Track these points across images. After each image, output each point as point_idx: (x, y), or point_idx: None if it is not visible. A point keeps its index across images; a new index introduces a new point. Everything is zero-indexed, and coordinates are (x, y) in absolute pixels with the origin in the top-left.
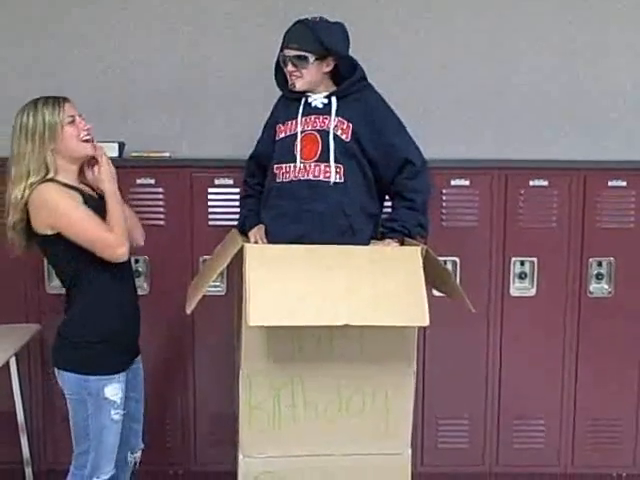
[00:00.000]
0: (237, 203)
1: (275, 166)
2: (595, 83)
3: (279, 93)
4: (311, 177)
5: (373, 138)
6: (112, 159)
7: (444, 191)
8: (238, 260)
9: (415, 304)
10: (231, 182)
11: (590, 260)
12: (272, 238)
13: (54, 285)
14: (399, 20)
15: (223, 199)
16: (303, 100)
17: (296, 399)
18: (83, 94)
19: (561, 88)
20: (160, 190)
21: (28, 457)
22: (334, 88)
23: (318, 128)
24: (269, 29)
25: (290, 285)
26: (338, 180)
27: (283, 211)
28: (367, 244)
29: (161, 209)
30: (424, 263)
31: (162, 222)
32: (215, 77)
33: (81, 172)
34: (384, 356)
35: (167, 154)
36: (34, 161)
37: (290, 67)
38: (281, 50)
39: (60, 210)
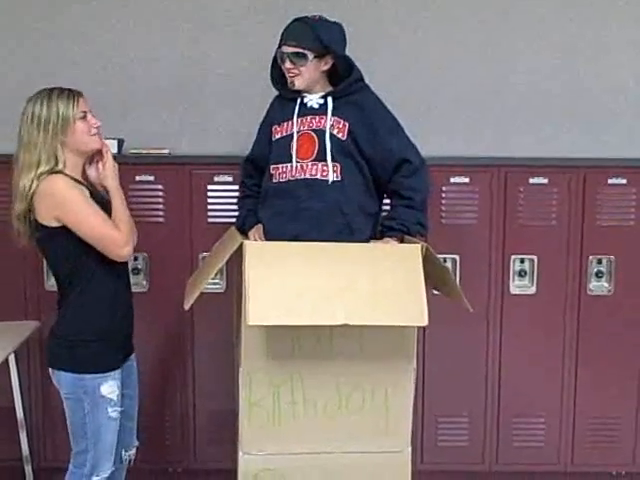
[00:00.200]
0: (236, 200)
1: (272, 167)
2: (595, 80)
3: None
4: (308, 176)
5: (369, 138)
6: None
7: (444, 189)
8: (237, 257)
9: (414, 303)
10: (230, 179)
11: (590, 258)
12: (270, 237)
13: (53, 283)
14: (398, 19)
15: (222, 196)
16: (299, 100)
17: (296, 396)
18: (83, 90)
19: (561, 85)
20: (159, 187)
21: (27, 454)
22: (330, 88)
23: (314, 128)
24: (269, 26)
25: (289, 283)
26: (335, 178)
27: (280, 210)
28: (366, 243)
29: (160, 206)
30: (424, 262)
31: (161, 219)
32: (215, 74)
33: (83, 171)
34: (384, 354)
35: (166, 151)
36: (45, 151)
37: (288, 64)
38: (279, 47)
39: (68, 203)
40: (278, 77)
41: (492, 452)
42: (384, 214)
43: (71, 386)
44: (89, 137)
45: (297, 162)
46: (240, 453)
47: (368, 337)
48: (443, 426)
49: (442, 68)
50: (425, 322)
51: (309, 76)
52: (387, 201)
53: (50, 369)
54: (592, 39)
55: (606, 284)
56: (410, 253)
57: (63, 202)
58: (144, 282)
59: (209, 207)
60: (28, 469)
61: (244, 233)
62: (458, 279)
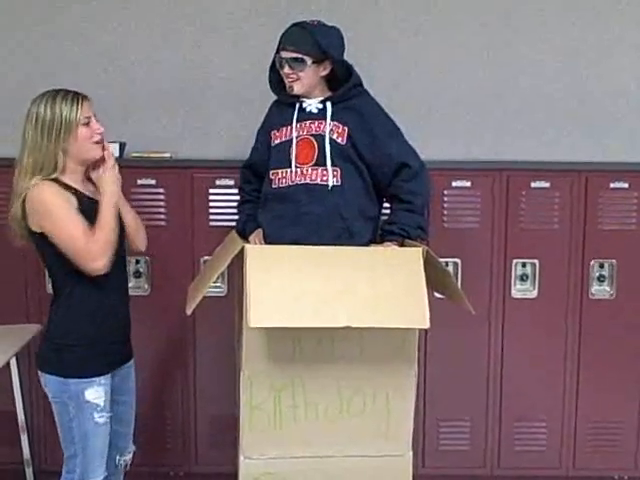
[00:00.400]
0: (236, 205)
1: (271, 172)
2: (597, 84)
3: None
4: (308, 181)
5: (369, 143)
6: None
7: (445, 192)
8: (239, 261)
9: (416, 306)
10: (232, 183)
11: (592, 262)
12: (270, 241)
13: None
14: (399, 23)
15: (224, 200)
16: (297, 105)
17: (297, 400)
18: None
19: (563, 89)
20: (161, 190)
21: (29, 457)
22: (329, 93)
23: (313, 133)
24: (271, 29)
25: (291, 286)
26: (335, 183)
27: (280, 214)
28: (367, 246)
29: (162, 209)
30: (425, 265)
31: (163, 222)
32: (216, 77)
33: (87, 169)
34: (385, 357)
35: (168, 154)
36: (46, 156)
37: (287, 69)
38: (277, 52)
39: (49, 212)
40: (276, 82)
41: (494, 456)
42: (384, 218)
43: (56, 390)
44: (91, 144)
45: (297, 167)
46: (241, 457)
47: (369, 341)
48: (444, 430)
49: (443, 72)
50: (427, 325)
51: (308, 81)
52: (387, 205)
53: (39, 372)
54: (594, 43)
55: (608, 288)
56: (411, 256)
57: (44, 211)
58: (145, 285)
59: (211, 211)
60: (29, 472)
61: (244, 238)
62: (460, 283)
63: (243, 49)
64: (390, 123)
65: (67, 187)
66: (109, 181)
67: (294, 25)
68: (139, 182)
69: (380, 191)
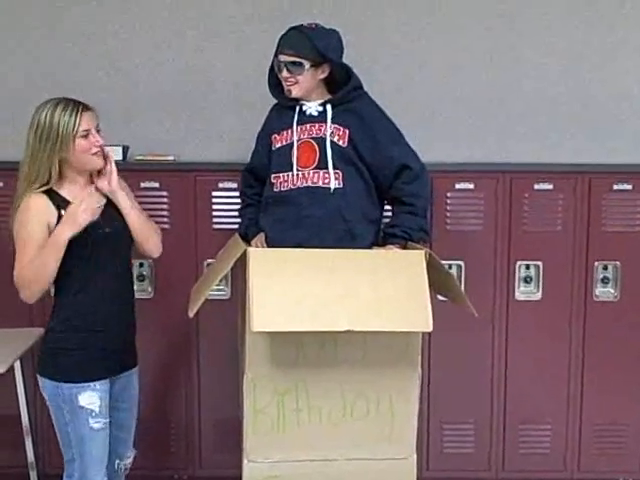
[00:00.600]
0: (238, 210)
1: (272, 176)
2: (601, 87)
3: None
4: (310, 184)
5: (370, 146)
6: (116, 162)
7: (449, 195)
8: (242, 264)
9: (419, 309)
10: (235, 186)
11: (596, 264)
12: (272, 244)
13: None
14: (402, 26)
15: (227, 202)
16: (297, 108)
17: (300, 403)
18: (87, 97)
19: (567, 92)
20: (164, 194)
21: (33, 461)
22: (328, 96)
23: (314, 136)
24: (273, 33)
25: (294, 290)
26: (337, 186)
27: (282, 217)
28: (369, 249)
29: (165, 212)
30: (427, 268)
31: (166, 225)
32: (219, 81)
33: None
34: (388, 361)
35: (171, 157)
36: (42, 165)
37: (285, 73)
38: (275, 55)
39: (18, 230)
40: (276, 85)
41: (498, 459)
42: (386, 221)
43: (51, 394)
44: (89, 157)
45: (298, 171)
46: (245, 460)
47: (372, 344)
48: (449, 433)
49: (447, 75)
50: (430, 328)
51: (306, 85)
52: (388, 207)
53: (37, 375)
54: (597, 46)
55: (612, 290)
56: (414, 259)
57: (18, 225)
58: (149, 288)
59: (214, 213)
60: (33, 475)
61: (247, 242)
62: (463, 285)
63: (245, 53)
64: (391, 126)
65: (60, 199)
66: (70, 212)
67: (292, 29)
68: (142, 185)
69: (381, 194)
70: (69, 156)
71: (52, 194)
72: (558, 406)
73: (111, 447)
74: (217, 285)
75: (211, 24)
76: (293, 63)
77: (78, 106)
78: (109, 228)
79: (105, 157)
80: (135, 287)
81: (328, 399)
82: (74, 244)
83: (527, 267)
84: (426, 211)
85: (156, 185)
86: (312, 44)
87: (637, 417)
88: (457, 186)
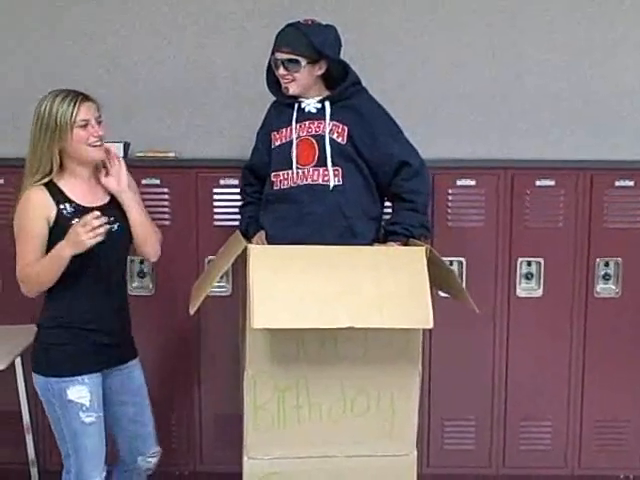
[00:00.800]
0: (238, 208)
1: (272, 174)
2: (603, 83)
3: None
4: (310, 182)
5: (369, 143)
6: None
7: (450, 191)
8: (243, 261)
9: (419, 306)
10: (236, 182)
11: (597, 260)
12: (272, 242)
13: None
14: (404, 23)
15: (229, 199)
16: (296, 106)
17: (301, 400)
18: (88, 93)
19: (568, 88)
20: (165, 190)
21: (33, 457)
22: (327, 92)
23: (313, 133)
24: (274, 29)
25: (294, 286)
26: (337, 183)
27: (283, 215)
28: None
29: (166, 209)
30: (428, 264)
31: (167, 222)
32: (220, 77)
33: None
34: (389, 358)
35: (172, 154)
36: (42, 155)
37: (282, 70)
38: (272, 53)
39: (17, 223)
40: (274, 82)
41: (499, 455)
42: (387, 218)
43: (42, 389)
44: (87, 147)
45: (298, 168)
46: (245, 457)
47: (373, 341)
48: (449, 429)
49: (449, 71)
50: (430, 325)
51: (303, 82)
52: (388, 204)
53: (32, 372)
54: (599, 42)
55: (613, 286)
56: (414, 256)
57: (18, 219)
58: (150, 285)
59: (215, 210)
60: (34, 472)
61: (248, 239)
62: (464, 282)
63: (246, 49)
64: (390, 122)
65: (59, 194)
66: (75, 233)
67: (288, 25)
68: (143, 182)
69: (382, 191)
70: (67, 146)
71: (52, 187)
72: (559, 402)
73: (129, 444)
74: (218, 282)
75: (211, 20)
76: (290, 60)
77: (77, 96)
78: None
79: (113, 156)
80: (136, 284)
81: (328, 396)
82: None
83: (528, 264)
84: (426, 207)
85: (157, 182)
86: (308, 41)
87: (638, 414)
88: (458, 182)
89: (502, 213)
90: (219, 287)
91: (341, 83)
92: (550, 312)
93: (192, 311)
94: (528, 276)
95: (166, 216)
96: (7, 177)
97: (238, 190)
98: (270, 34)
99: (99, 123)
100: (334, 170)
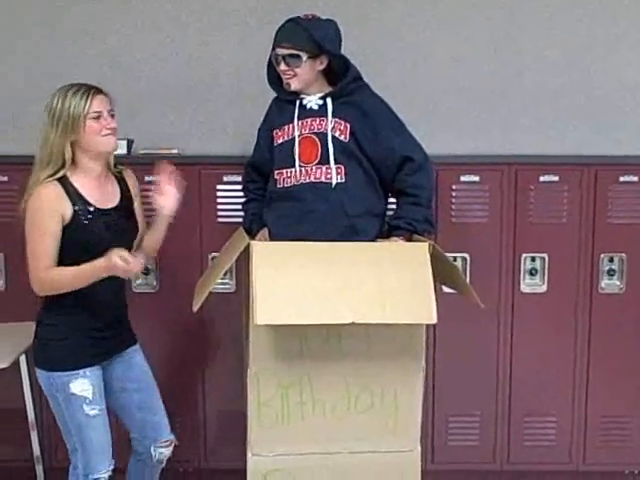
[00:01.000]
0: (241, 204)
1: (276, 172)
2: (605, 78)
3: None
4: (313, 179)
5: (372, 138)
6: (121, 156)
7: (454, 187)
8: (246, 258)
9: (423, 301)
10: (239, 179)
11: (601, 256)
12: (275, 239)
13: None
14: (406, 18)
15: (232, 196)
16: (297, 102)
17: (304, 397)
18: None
19: (572, 83)
20: None
21: (39, 455)
22: (328, 88)
23: (315, 131)
24: (277, 26)
25: (297, 283)
26: (340, 180)
27: (286, 213)
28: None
29: None
30: (431, 260)
31: (171, 219)
32: (223, 74)
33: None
34: (392, 354)
35: (175, 151)
36: (54, 149)
37: (283, 66)
38: (273, 49)
39: (31, 223)
40: (275, 79)
41: (503, 451)
42: (390, 213)
43: (45, 384)
44: (99, 138)
45: (300, 166)
46: (249, 454)
47: (376, 337)
48: (454, 425)
49: (450, 67)
50: (434, 320)
51: (305, 77)
52: (392, 200)
53: (35, 367)
54: (601, 37)
55: (618, 282)
56: (417, 251)
57: (31, 217)
58: (154, 282)
59: (218, 207)
60: (39, 469)
61: (251, 236)
62: (468, 278)
63: (249, 45)
64: (393, 117)
65: (74, 192)
66: (115, 264)
67: (288, 21)
68: (146, 179)
69: (385, 187)
70: (80, 138)
71: (66, 184)
72: (563, 398)
73: (142, 431)
74: (222, 278)
75: (215, 17)
76: (291, 56)
77: (90, 89)
78: (117, 230)
79: (170, 175)
80: (140, 281)
81: (332, 392)
82: (77, 245)
83: (532, 259)
84: (430, 202)
85: None
86: (309, 35)
87: None
88: (462, 179)
89: (506, 209)
90: (223, 284)
91: (342, 79)
92: (554, 308)
93: (195, 308)
94: (532, 272)
95: None
96: (10, 174)
97: (241, 187)
98: (273, 31)
99: (112, 116)
100: (337, 168)
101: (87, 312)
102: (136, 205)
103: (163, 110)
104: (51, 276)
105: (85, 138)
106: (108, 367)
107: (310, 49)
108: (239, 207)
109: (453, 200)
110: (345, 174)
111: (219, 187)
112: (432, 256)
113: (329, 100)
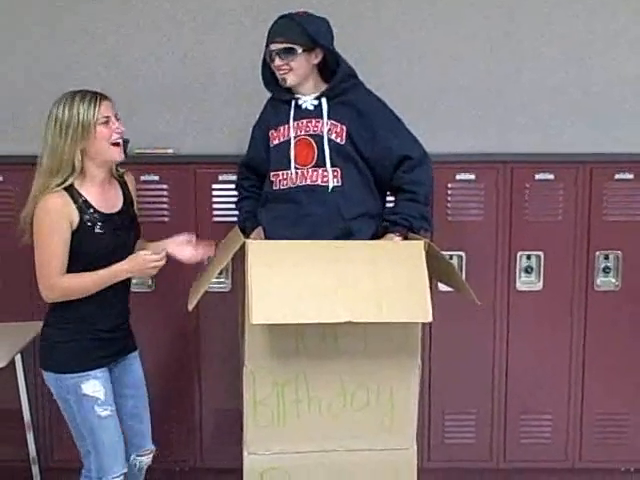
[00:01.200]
0: (235, 202)
1: (272, 173)
2: (601, 75)
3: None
4: (309, 182)
5: (369, 139)
6: None
7: (449, 185)
8: (241, 256)
9: (418, 300)
10: (235, 178)
11: (597, 253)
12: (270, 239)
13: None
14: (402, 17)
15: (227, 195)
16: (293, 103)
17: (300, 395)
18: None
19: (567, 81)
20: (164, 187)
21: (34, 455)
22: (324, 85)
23: (311, 133)
24: None
25: (293, 282)
26: (336, 184)
27: (282, 214)
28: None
29: (165, 205)
30: (428, 258)
31: (166, 218)
32: (219, 73)
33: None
34: (388, 352)
35: (171, 150)
36: (64, 156)
37: (277, 61)
38: (267, 46)
39: (40, 231)
40: (270, 78)
41: (499, 449)
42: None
43: (56, 387)
44: (109, 146)
45: (296, 169)
46: (245, 452)
47: (372, 335)
48: (450, 423)
49: (448, 65)
50: (429, 318)
51: (301, 71)
52: (390, 198)
53: (41, 370)
54: (598, 34)
55: (613, 280)
56: (413, 249)
57: (39, 225)
58: (150, 281)
59: (214, 206)
60: (35, 469)
61: (246, 235)
62: (464, 276)
63: (245, 44)
64: (389, 115)
65: (82, 200)
66: (141, 261)
67: (281, 17)
68: (142, 178)
69: (383, 187)
70: (89, 145)
71: (72, 192)
72: (559, 396)
73: (128, 439)
74: (217, 277)
75: (210, 16)
76: (285, 50)
77: (96, 95)
78: (121, 235)
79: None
80: (136, 280)
81: (328, 390)
82: (84, 251)
83: (528, 257)
84: (428, 198)
85: (156, 178)
86: (302, 29)
87: (638, 406)
88: (458, 177)
89: (502, 207)
90: (219, 283)
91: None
92: (550, 305)
93: (190, 307)
94: (528, 270)
95: (165, 212)
96: (6, 175)
97: (235, 185)
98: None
99: (118, 120)
100: (333, 171)
101: (96, 314)
102: (135, 208)
103: (158, 109)
104: (64, 282)
105: (95, 145)
106: (110, 371)
107: (304, 42)
108: (234, 206)
109: (449, 198)
110: (341, 177)
111: (214, 186)
112: (428, 254)
113: (324, 100)
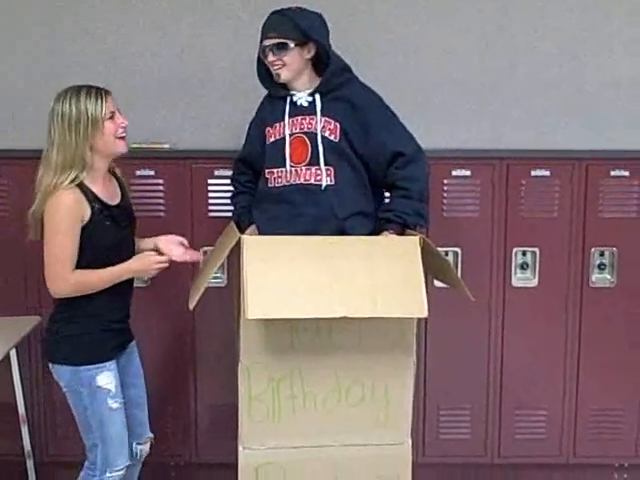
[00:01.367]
0: (230, 197)
1: (267, 171)
2: (597, 72)
3: None
4: (302, 181)
5: (362, 134)
6: None
7: (445, 181)
8: (237, 252)
9: (413, 295)
10: (231, 173)
11: (592, 250)
12: None
13: None
14: (396, 11)
15: (223, 190)
16: (288, 99)
17: (295, 390)
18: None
19: (563, 77)
20: (160, 182)
21: (29, 449)
22: (318, 81)
23: (306, 130)
24: None
25: (288, 277)
26: (329, 183)
27: (276, 215)
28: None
29: (161, 200)
30: (423, 253)
31: (162, 213)
32: (216, 68)
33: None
34: (383, 347)
35: (167, 145)
36: (76, 151)
37: (271, 57)
38: (260, 42)
39: (50, 227)
40: (265, 75)
41: (494, 444)
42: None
43: (68, 379)
44: (116, 140)
45: (291, 167)
46: (240, 447)
47: (367, 331)
48: (445, 418)
49: (442, 60)
50: (425, 314)
51: (294, 66)
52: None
53: (50, 364)
54: (593, 30)
55: (608, 276)
56: (408, 245)
57: (50, 221)
58: (145, 277)
59: (210, 201)
60: (30, 464)
61: (241, 230)
62: (460, 272)
63: (242, 39)
64: (383, 110)
65: (92, 195)
66: (147, 262)
67: (273, 13)
68: (138, 173)
69: (377, 183)
70: (97, 140)
71: (82, 187)
72: (554, 391)
73: (130, 427)
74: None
75: (207, 11)
76: (278, 45)
77: (101, 90)
78: (125, 227)
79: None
80: None
81: (323, 386)
82: (95, 244)
83: (524, 254)
84: (422, 194)
85: (152, 173)
86: (294, 24)
87: (632, 402)
88: (454, 173)
89: (497, 203)
90: (215, 278)
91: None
92: (545, 302)
93: (191, 306)
94: (523, 266)
95: (161, 207)
96: (2, 170)
97: (230, 180)
98: None
99: (121, 114)
100: (327, 170)
101: (107, 306)
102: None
103: (155, 104)
104: (75, 278)
105: (103, 139)
106: (117, 361)
107: (297, 37)
108: (230, 201)
109: (444, 194)
110: (335, 176)
111: (211, 181)
112: (423, 250)
113: (317, 97)
